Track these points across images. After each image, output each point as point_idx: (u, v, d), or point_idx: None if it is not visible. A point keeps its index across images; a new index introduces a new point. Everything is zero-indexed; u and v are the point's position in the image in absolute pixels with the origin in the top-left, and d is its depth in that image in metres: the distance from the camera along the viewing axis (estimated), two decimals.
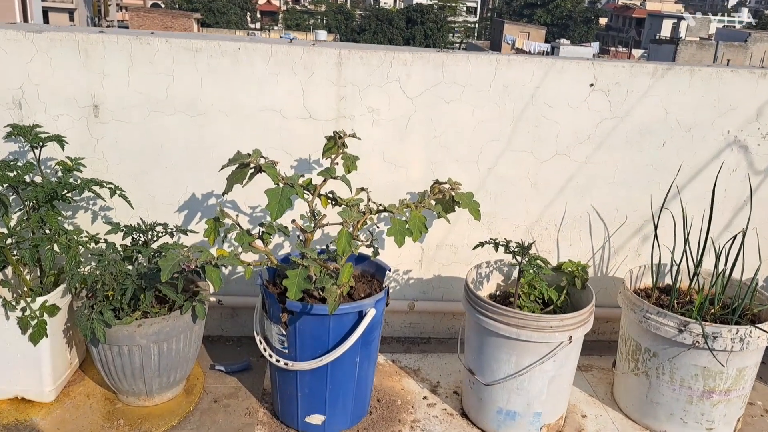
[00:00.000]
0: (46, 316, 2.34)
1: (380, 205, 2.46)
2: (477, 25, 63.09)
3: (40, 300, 2.34)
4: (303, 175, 2.48)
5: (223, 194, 2.38)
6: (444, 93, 2.76)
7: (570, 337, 2.32)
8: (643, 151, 2.90)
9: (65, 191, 2.45)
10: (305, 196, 2.33)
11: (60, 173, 2.54)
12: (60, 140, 2.51)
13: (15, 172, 2.43)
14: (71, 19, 45.56)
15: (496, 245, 2.49)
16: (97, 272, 2.35)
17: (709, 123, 2.88)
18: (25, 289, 2.47)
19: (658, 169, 2.93)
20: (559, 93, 2.79)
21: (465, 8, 64.13)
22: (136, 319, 2.33)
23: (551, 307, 2.59)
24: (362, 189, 2.54)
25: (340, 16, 51.09)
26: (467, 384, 2.58)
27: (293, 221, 2.41)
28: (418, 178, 2.88)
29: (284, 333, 2.31)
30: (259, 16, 59.29)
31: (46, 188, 2.40)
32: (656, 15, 53.00)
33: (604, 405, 2.73)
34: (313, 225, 2.39)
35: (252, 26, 53.95)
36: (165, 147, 2.74)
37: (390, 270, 2.58)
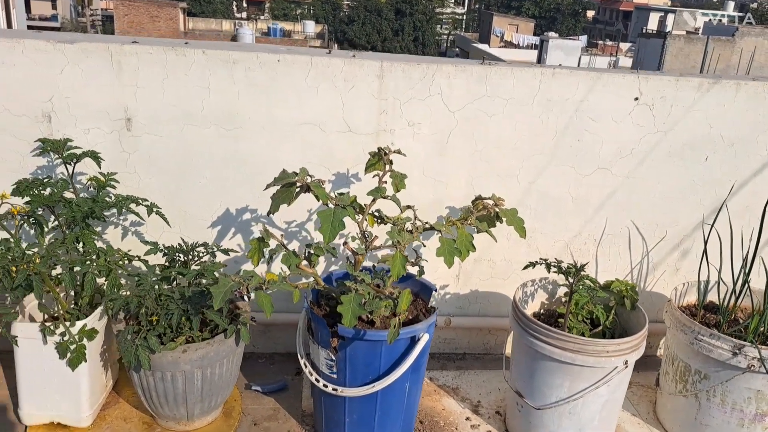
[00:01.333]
0: (85, 341, 2.26)
1: (426, 222, 2.40)
2: (465, 17, 62.85)
3: (79, 324, 2.26)
4: (349, 193, 2.41)
5: (268, 214, 2.30)
6: (486, 107, 2.69)
7: (626, 362, 2.28)
8: (686, 166, 2.86)
9: (102, 210, 2.36)
10: (356, 217, 2.26)
11: (93, 189, 2.45)
12: (95, 156, 2.41)
13: (50, 190, 2.34)
14: (54, 7, 44.78)
15: (548, 266, 2.43)
16: (139, 295, 2.26)
17: (753, 138, 2.83)
18: (61, 311, 2.38)
19: (699, 183, 2.89)
20: (603, 107, 2.74)
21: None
22: (181, 344, 2.25)
23: (600, 327, 2.54)
24: (408, 207, 2.47)
25: (327, 6, 50.61)
26: (514, 406, 2.53)
27: (345, 244, 2.34)
28: (458, 193, 2.81)
29: (333, 358, 2.25)
30: (245, 5, 58.56)
31: (83, 207, 2.30)
32: (643, 8, 53.18)
33: (648, 425, 2.69)
34: (364, 247, 2.32)
35: (238, 16, 53.29)
36: (199, 161, 2.65)
37: (436, 290, 2.52)
